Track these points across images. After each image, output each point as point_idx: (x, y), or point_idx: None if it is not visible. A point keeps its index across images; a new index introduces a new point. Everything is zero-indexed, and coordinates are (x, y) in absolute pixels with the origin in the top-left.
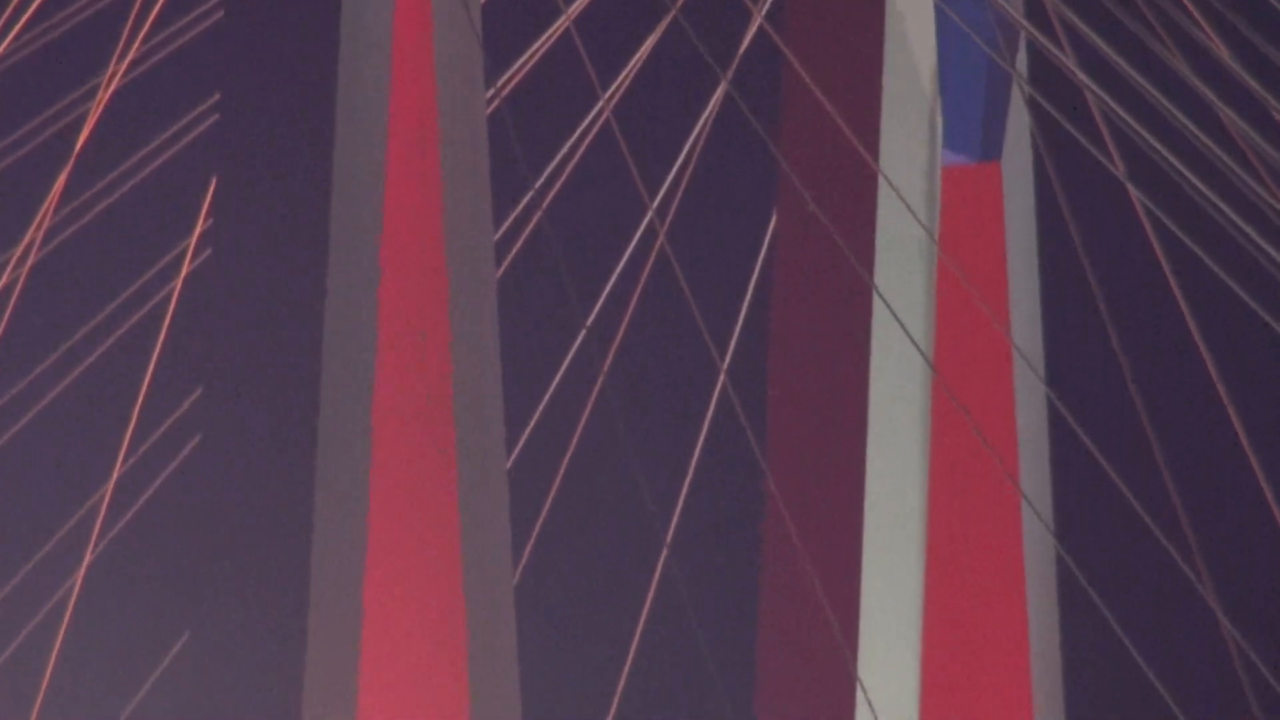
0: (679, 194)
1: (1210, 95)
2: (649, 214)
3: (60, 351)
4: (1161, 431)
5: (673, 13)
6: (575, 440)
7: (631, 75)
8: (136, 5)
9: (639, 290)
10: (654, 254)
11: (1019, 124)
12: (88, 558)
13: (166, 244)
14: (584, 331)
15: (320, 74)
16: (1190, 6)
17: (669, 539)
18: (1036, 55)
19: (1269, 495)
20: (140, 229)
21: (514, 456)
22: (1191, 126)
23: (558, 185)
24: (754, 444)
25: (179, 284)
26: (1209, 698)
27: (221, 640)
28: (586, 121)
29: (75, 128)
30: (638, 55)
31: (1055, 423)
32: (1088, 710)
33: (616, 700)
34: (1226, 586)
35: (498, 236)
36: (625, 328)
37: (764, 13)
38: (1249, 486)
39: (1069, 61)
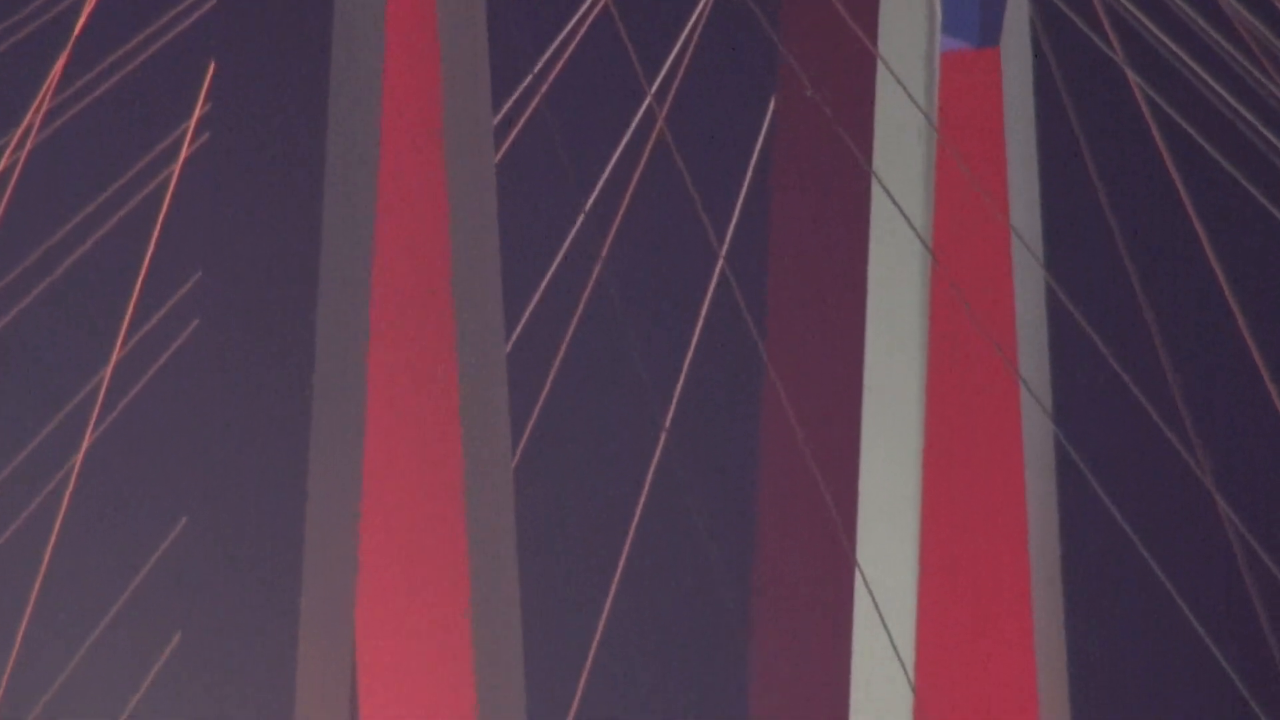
0: (678, 79)
1: None
2: (647, 99)
3: (58, 236)
4: (1160, 316)
5: None
6: (573, 324)
7: None
8: None
9: (637, 175)
10: (653, 138)
11: (1018, 9)
12: (86, 441)
13: (164, 128)
14: (582, 216)
15: None
16: None
17: (668, 423)
18: None
19: (1266, 377)
20: (138, 113)
21: (512, 340)
22: (1189, 10)
23: (557, 69)
24: (752, 329)
25: (178, 168)
26: (1209, 587)
27: (220, 524)
28: (585, 6)
29: (75, 10)
30: None
31: (1054, 308)
32: (1086, 595)
33: (615, 585)
34: (1226, 472)
35: (496, 120)
36: (624, 213)
37: None
38: (1247, 369)
39: None
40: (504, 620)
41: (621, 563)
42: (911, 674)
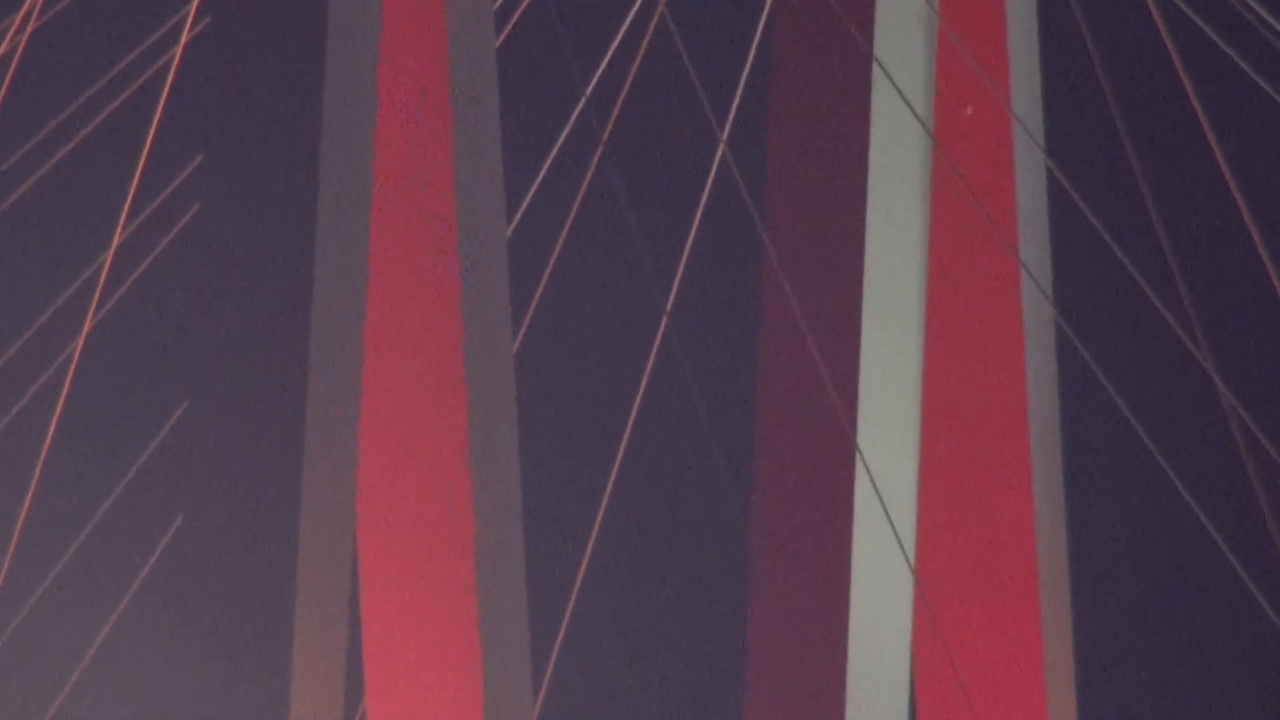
0: None
1: None
2: None
3: (57, 120)
4: (1161, 202)
5: None
6: (575, 208)
7: None
8: None
9: (638, 59)
10: (654, 22)
11: None
12: (86, 327)
13: (165, 12)
14: (583, 101)
15: None
16: None
17: (669, 308)
18: None
19: (1266, 259)
20: None
21: (512, 228)
22: None
23: None
24: (753, 212)
25: (179, 51)
26: (1209, 468)
27: (221, 408)
28: None
29: None
30: None
31: (1055, 192)
32: (1087, 478)
33: (615, 471)
34: (1225, 354)
35: (496, 6)
36: (624, 97)
37: None
38: (1249, 256)
39: None
40: (505, 503)
41: (622, 447)
42: (912, 557)
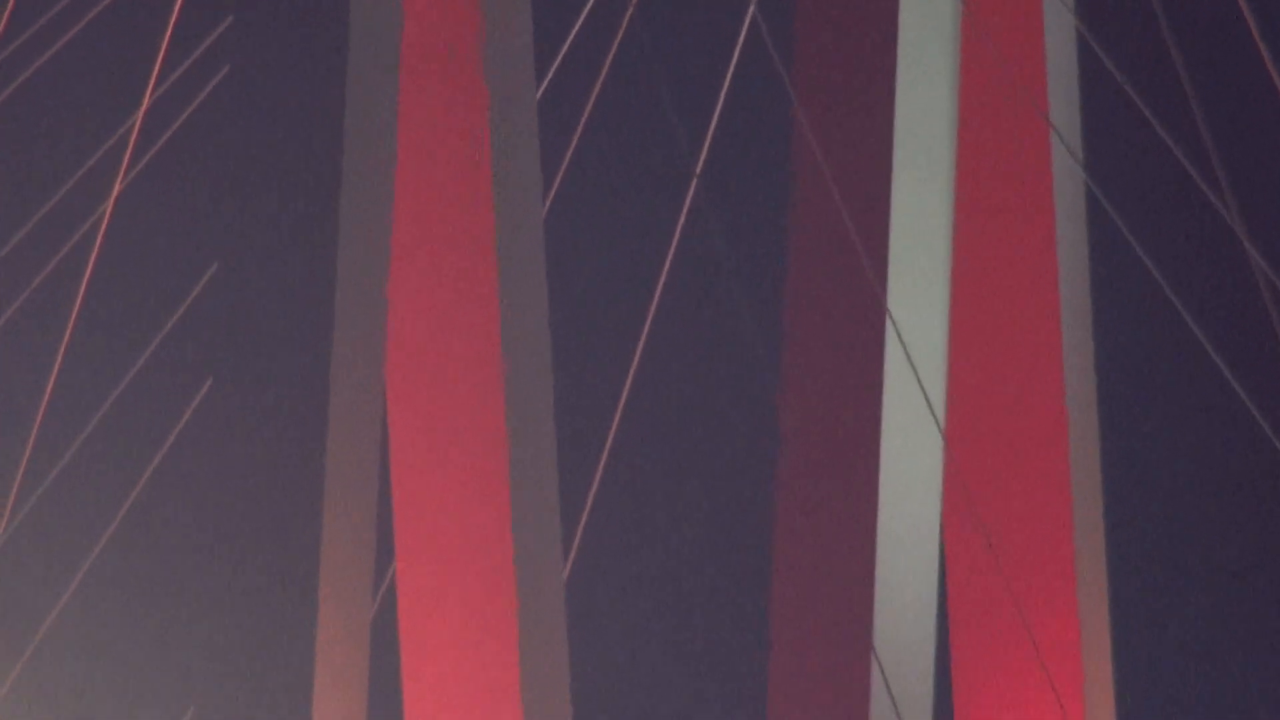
0: None
1: None
2: None
3: None
4: (1190, 60)
5: None
6: (604, 71)
7: None
8: None
9: None
10: None
11: None
12: (116, 190)
13: None
14: None
15: None
16: None
17: (698, 169)
18: None
19: None
20: None
21: (541, 91)
22: None
23: None
24: (781, 70)
25: None
26: (1234, 324)
27: (250, 271)
28: None
29: None
30: None
31: (1085, 55)
32: (1115, 332)
33: (645, 332)
34: (1255, 214)
35: None
36: None
37: None
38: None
39: None
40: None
41: (653, 305)
42: (942, 421)
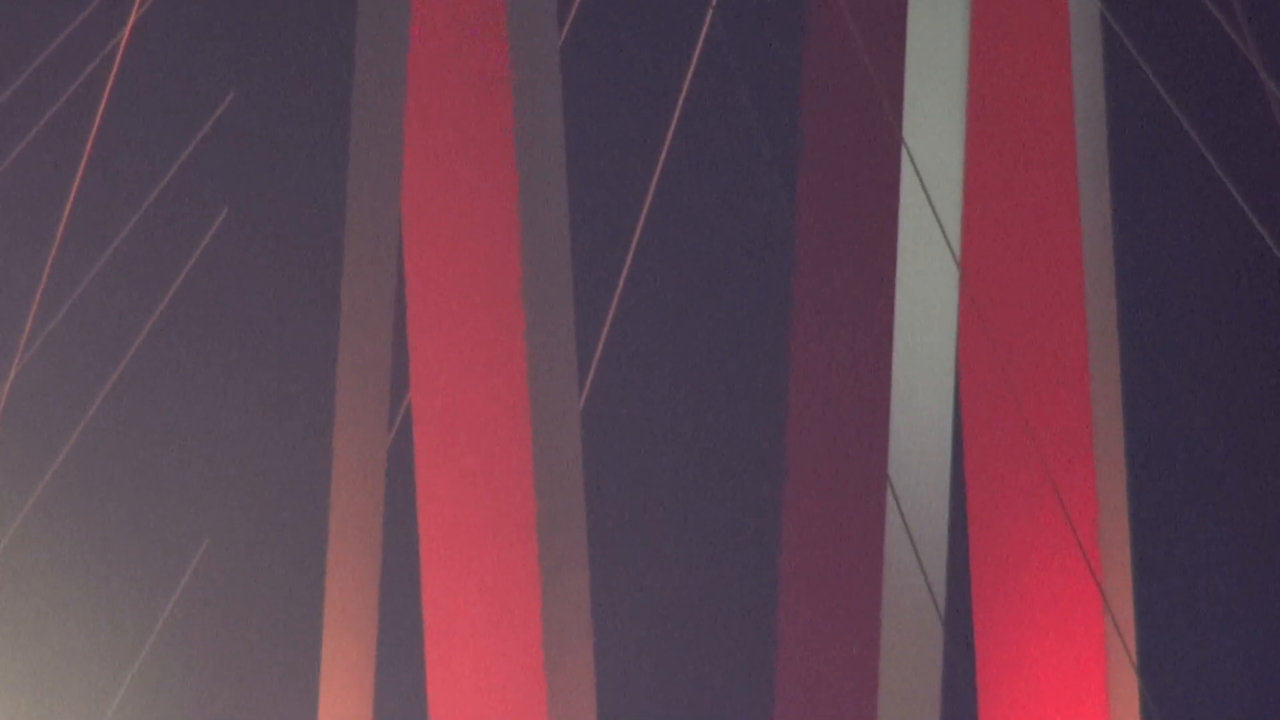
0: None
1: None
2: None
3: None
4: None
5: None
6: None
7: None
8: None
9: None
10: None
11: None
12: (133, 17)
13: None
14: None
15: None
16: None
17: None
18: None
19: None
20: None
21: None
22: None
23: None
24: None
25: None
26: (1246, 149)
27: (265, 97)
28: None
29: None
30: None
31: None
32: (1130, 163)
33: (665, 149)
34: (1269, 42)
35: None
36: None
37: None
38: None
39: None
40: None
41: (671, 126)
42: (957, 250)
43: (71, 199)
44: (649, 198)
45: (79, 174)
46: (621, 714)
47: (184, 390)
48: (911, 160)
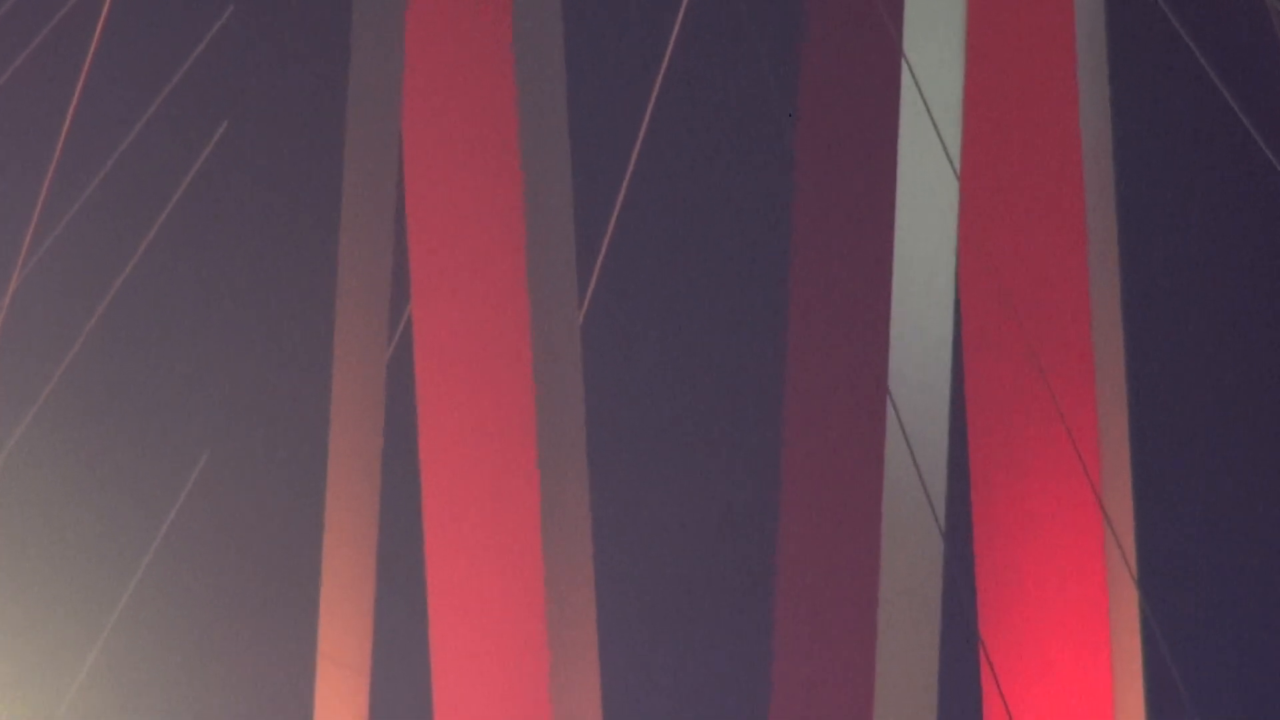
0: None
1: None
2: None
3: None
4: None
5: None
6: None
7: None
8: None
9: None
10: None
11: None
12: None
13: None
14: None
15: None
16: None
17: None
18: None
19: None
20: None
21: None
22: None
23: None
24: None
25: None
26: (1250, 75)
27: (265, 17)
28: None
29: None
30: None
31: None
32: (1132, 74)
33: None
34: None
35: None
36: None
37: None
38: None
39: None
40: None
41: (664, 62)
42: (957, 164)
43: (72, 111)
44: (649, 110)
45: (79, 86)
46: (616, 644)
47: (183, 303)
48: (912, 73)
